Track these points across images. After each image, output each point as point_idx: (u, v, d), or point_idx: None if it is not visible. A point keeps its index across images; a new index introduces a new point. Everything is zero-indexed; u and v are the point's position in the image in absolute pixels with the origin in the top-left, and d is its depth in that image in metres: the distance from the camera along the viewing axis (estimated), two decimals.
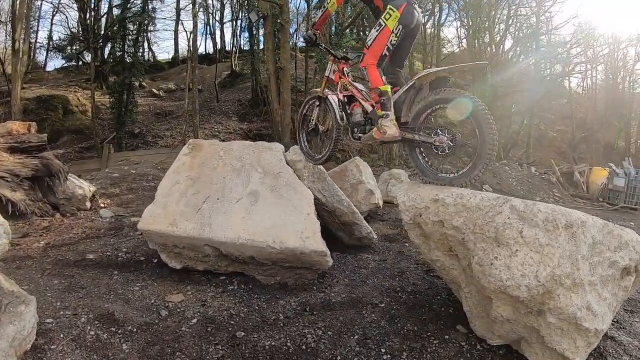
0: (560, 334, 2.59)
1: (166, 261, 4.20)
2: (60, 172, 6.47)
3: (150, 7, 19.55)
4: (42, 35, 29.34)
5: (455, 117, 3.22)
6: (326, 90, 4.02)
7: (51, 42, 26.01)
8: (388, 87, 3.37)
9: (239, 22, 29.34)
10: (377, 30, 3.40)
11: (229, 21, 31.32)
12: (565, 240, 2.60)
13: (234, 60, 28.25)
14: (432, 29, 25.41)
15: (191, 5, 17.00)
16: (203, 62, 30.43)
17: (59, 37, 25.80)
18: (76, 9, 23.29)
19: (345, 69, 3.91)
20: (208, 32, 32.52)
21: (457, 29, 33.06)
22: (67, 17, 25.64)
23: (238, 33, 29.96)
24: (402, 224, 6.60)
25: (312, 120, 4.27)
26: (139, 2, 19.45)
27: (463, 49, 25.87)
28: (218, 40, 32.33)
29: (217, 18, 31.15)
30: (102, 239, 5.20)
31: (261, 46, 23.58)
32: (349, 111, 3.84)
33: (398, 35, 3.36)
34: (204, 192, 4.25)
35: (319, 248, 3.63)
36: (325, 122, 4.39)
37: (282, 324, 3.21)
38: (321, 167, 4.79)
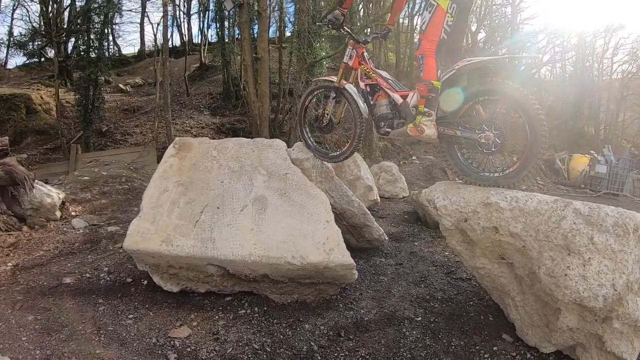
0: (620, 337, 2.47)
1: (160, 284, 3.61)
2: (26, 179, 5.69)
3: None
4: (2, 31, 27.57)
5: (502, 111, 2.84)
6: (342, 80, 3.57)
7: (12, 38, 24.41)
8: (439, 84, 2.98)
9: (207, 13, 28.43)
10: (429, 12, 2.96)
11: (195, 13, 30.40)
12: (634, 244, 2.38)
13: (203, 52, 27.32)
14: (406, 20, 25.27)
15: None
16: (170, 55, 29.27)
17: (20, 33, 24.23)
18: (38, 2, 21.87)
19: (365, 53, 3.46)
20: (175, 25, 31.36)
21: None
22: (28, 11, 24.03)
23: (206, 25, 29.03)
24: (403, 221, 6.46)
25: (327, 113, 3.82)
26: None
27: None
28: (185, 33, 31.45)
29: (184, 10, 30.12)
30: (77, 255, 4.54)
31: (232, 37, 22.85)
32: (372, 102, 3.41)
33: (454, 14, 2.94)
34: (200, 200, 3.70)
35: (347, 261, 3.18)
36: (337, 114, 3.97)
37: (319, 357, 2.76)
38: (329, 165, 4.35)
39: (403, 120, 3.23)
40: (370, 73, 3.44)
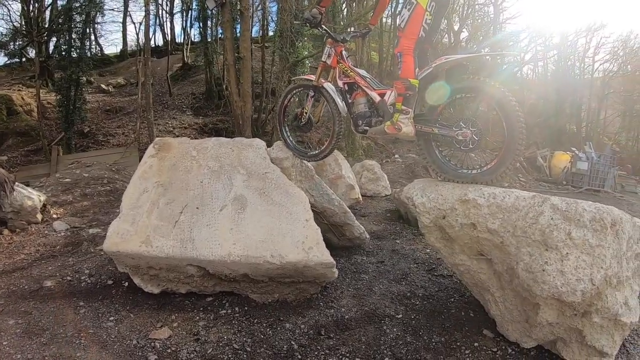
0: (600, 331, 2.50)
1: (140, 285, 3.55)
2: (6, 182, 5.61)
3: None
4: None
5: (479, 107, 2.85)
6: (321, 79, 3.55)
7: None
8: (417, 82, 3.01)
9: (190, 12, 28.18)
10: (408, 10, 2.98)
11: (178, 12, 30.11)
12: (612, 239, 2.40)
13: (186, 52, 27.05)
14: (389, 19, 25.38)
15: None
16: (153, 55, 28.93)
17: (1, 33, 23.72)
18: (19, 1, 21.40)
19: (343, 52, 3.45)
20: (157, 24, 31.01)
21: None
22: (9, 10, 23.49)
23: (189, 24, 28.77)
24: (385, 219, 6.47)
25: (306, 112, 3.80)
26: None
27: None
28: (168, 32, 31.10)
29: (167, 9, 29.79)
30: (58, 258, 4.47)
31: (215, 37, 22.67)
32: (350, 100, 3.40)
33: (432, 12, 2.99)
34: (180, 200, 3.65)
35: (326, 259, 3.15)
36: (316, 113, 3.94)
37: (299, 355, 2.73)
38: (309, 164, 4.33)
39: (381, 119, 3.24)
40: (349, 71, 3.43)
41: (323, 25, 3.59)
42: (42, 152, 16.50)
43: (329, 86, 3.55)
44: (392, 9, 24.27)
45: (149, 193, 3.76)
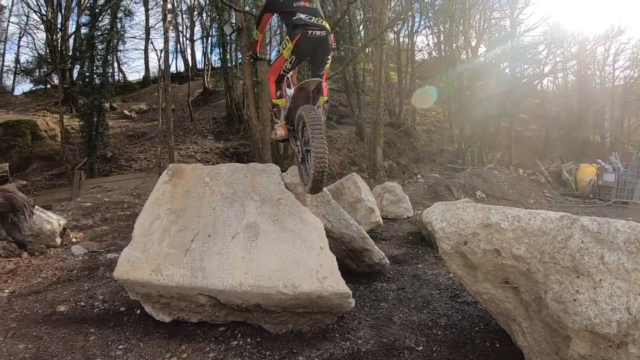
0: None
1: (152, 314, 3.49)
2: (25, 206, 5.70)
3: (119, 25, 18.70)
4: (9, 59, 28.24)
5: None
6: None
7: (19, 65, 24.95)
8: (279, 101, 3.93)
9: (210, 39, 28.88)
10: (277, 53, 3.93)
11: (199, 39, 30.86)
12: None
13: (207, 77, 27.59)
14: (405, 39, 25.45)
15: (162, 22, 16.33)
16: (175, 81, 29.79)
17: (27, 60, 24.77)
18: (44, 29, 22.35)
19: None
20: (179, 51, 31.88)
21: (426, 37, 33.20)
22: (34, 39, 24.59)
23: (209, 50, 29.44)
24: (407, 242, 6.27)
25: None
26: (107, 20, 18.68)
27: (434, 58, 26.10)
28: (189, 58, 31.84)
29: (188, 36, 30.62)
30: (74, 283, 4.47)
31: (234, 62, 23.04)
32: None
33: (292, 62, 3.70)
34: (192, 227, 3.58)
35: (341, 289, 3.01)
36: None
37: None
38: (325, 189, 4.22)
39: None
40: None
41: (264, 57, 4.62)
42: (66, 176, 16.87)
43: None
44: (410, 27, 24.42)
45: (161, 220, 3.72)
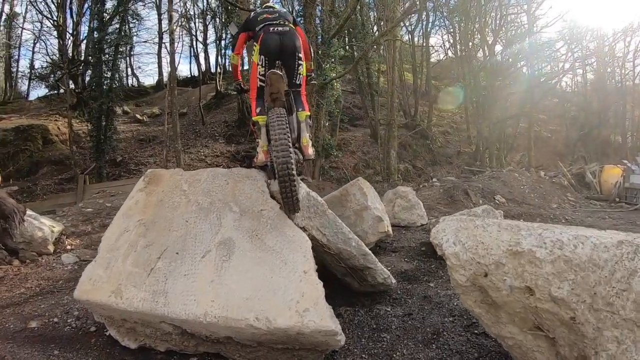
0: None
1: (117, 338, 3.04)
2: (15, 212, 5.48)
3: (125, 28, 18.54)
4: (24, 64, 28.78)
5: None
6: None
7: (33, 71, 25.23)
8: (259, 118, 3.60)
9: (222, 42, 28.74)
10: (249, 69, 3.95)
11: (212, 42, 30.74)
12: None
13: (219, 80, 27.42)
14: (419, 38, 24.77)
15: (168, 22, 15.98)
16: (189, 85, 29.86)
17: (41, 66, 25.03)
18: (56, 36, 22.46)
19: None
20: (192, 55, 31.86)
21: (442, 37, 32.38)
22: (45, 45, 24.77)
23: (222, 53, 29.34)
24: (419, 255, 5.64)
25: None
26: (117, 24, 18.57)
27: (450, 58, 25.39)
28: (203, 62, 31.96)
29: (201, 39, 30.53)
30: (55, 295, 4.16)
31: (246, 66, 22.73)
32: None
33: (264, 65, 3.55)
34: (160, 243, 3.06)
35: (325, 326, 2.38)
36: None
37: None
38: (319, 198, 3.62)
39: None
40: None
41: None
42: (74, 180, 16.70)
43: None
44: (424, 27, 23.75)
45: (130, 233, 3.23)
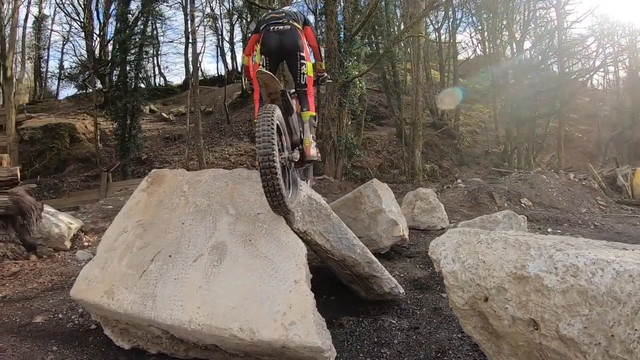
0: None
1: (112, 338, 3.02)
2: (32, 209, 5.67)
3: (150, 28, 18.90)
4: (53, 65, 29.90)
5: None
6: None
7: (62, 71, 26.05)
8: None
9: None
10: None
11: (239, 41, 31.03)
12: None
13: (245, 80, 27.63)
14: (447, 35, 24.25)
15: (190, 23, 16.18)
16: (215, 84, 30.21)
17: (70, 66, 25.87)
18: (84, 37, 23.11)
19: None
20: (219, 54, 32.29)
21: (470, 35, 31.53)
22: (73, 46, 25.64)
23: None
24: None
25: None
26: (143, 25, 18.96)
27: (477, 56, 24.73)
28: (229, 61, 32.37)
29: (227, 39, 30.87)
30: (65, 291, 4.14)
31: None
32: None
33: (265, 64, 3.56)
34: (155, 245, 2.99)
35: (310, 342, 2.19)
36: None
37: None
38: (321, 201, 3.44)
39: None
40: None
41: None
42: (100, 177, 17.11)
43: None
44: (450, 23, 23.19)
45: (128, 234, 3.19)
